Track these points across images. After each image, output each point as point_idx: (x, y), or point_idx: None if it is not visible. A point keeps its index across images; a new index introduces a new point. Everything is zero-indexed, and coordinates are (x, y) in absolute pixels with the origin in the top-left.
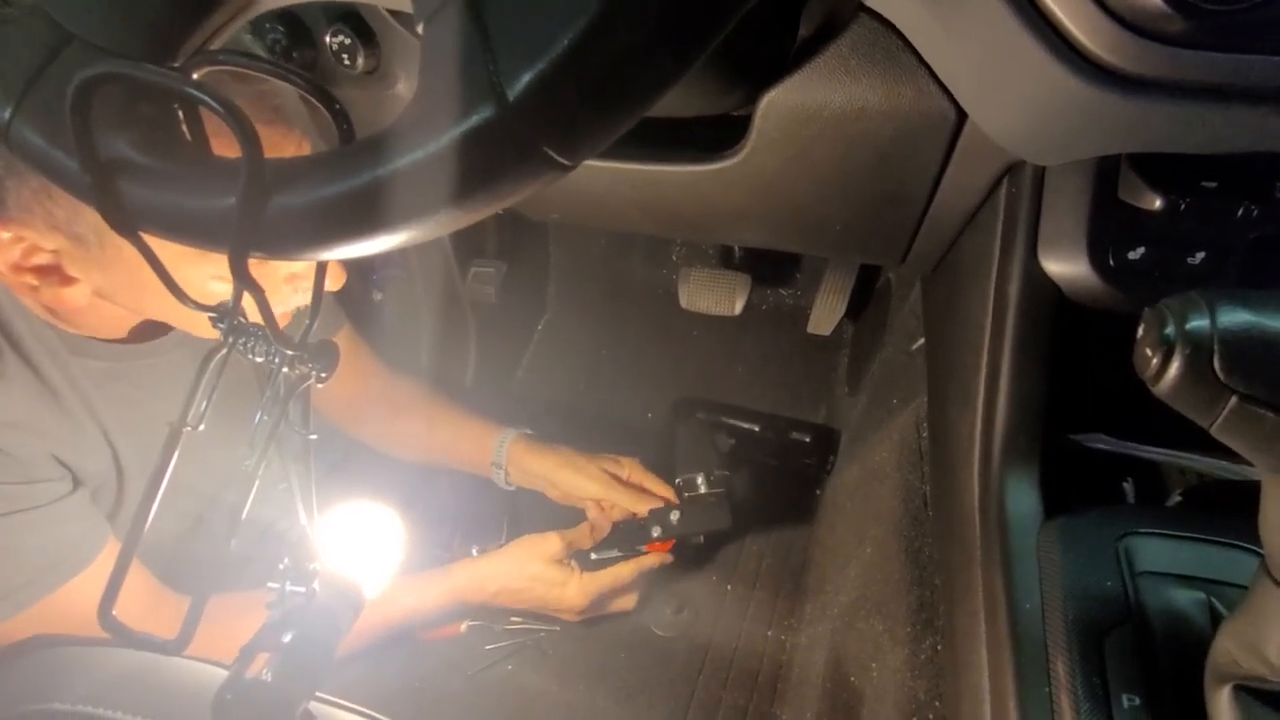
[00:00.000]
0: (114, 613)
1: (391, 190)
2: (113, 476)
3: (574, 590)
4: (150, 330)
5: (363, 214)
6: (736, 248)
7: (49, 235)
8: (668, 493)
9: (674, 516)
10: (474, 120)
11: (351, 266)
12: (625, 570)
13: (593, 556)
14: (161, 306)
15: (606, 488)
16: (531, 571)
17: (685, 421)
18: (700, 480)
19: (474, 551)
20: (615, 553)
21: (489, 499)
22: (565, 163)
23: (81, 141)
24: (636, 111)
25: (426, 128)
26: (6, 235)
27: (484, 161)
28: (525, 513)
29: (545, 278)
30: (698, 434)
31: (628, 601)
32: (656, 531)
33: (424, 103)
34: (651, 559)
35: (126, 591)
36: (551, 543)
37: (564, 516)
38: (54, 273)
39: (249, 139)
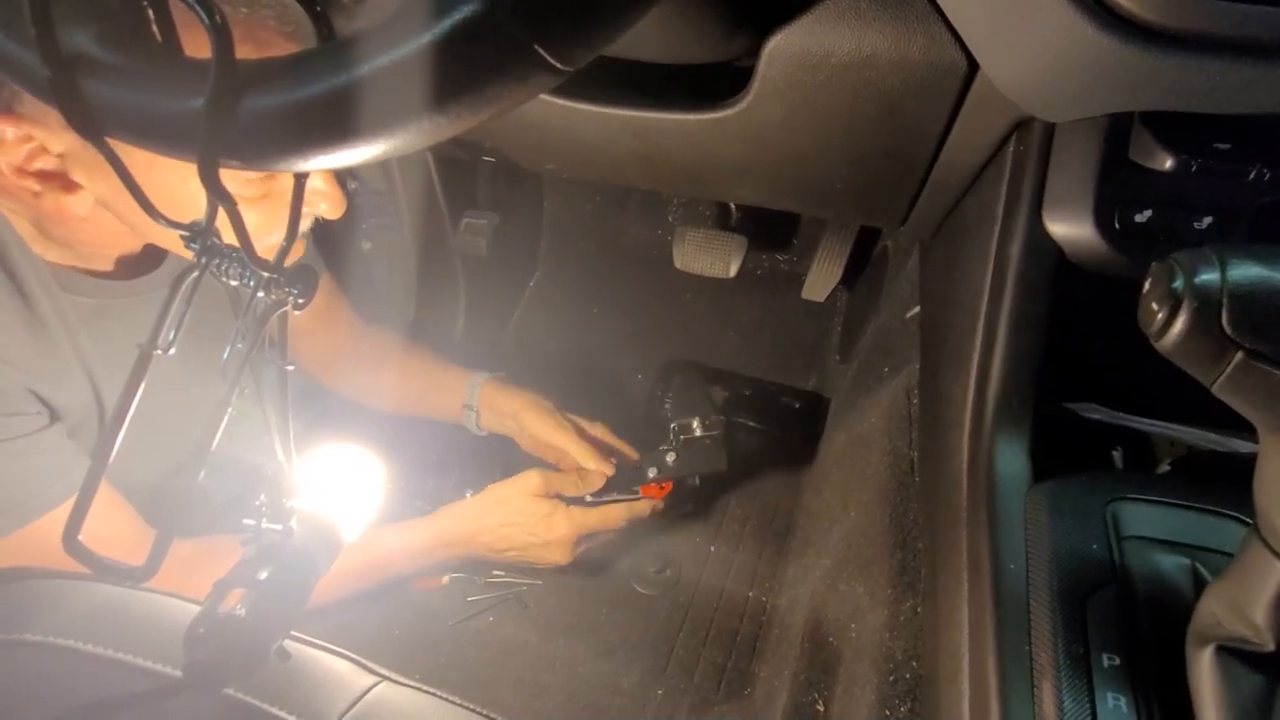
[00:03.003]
0: (100, 550)
1: (370, 92)
2: (94, 415)
3: (561, 520)
4: (138, 265)
5: (340, 117)
6: (733, 209)
7: (59, 135)
8: (633, 455)
9: (670, 458)
10: (460, 14)
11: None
12: (615, 511)
13: (588, 499)
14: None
15: (571, 439)
16: (514, 505)
17: (680, 375)
18: (695, 424)
19: (468, 494)
20: (613, 495)
21: (472, 450)
22: (558, 65)
23: (41, 34)
24: (633, 11)
25: (409, 24)
26: (14, 134)
27: (470, 61)
28: (512, 465)
29: (538, 232)
30: (692, 386)
31: (614, 522)
32: (652, 473)
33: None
34: (642, 505)
35: (113, 530)
36: (529, 477)
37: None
38: (57, 178)
39: (218, 33)
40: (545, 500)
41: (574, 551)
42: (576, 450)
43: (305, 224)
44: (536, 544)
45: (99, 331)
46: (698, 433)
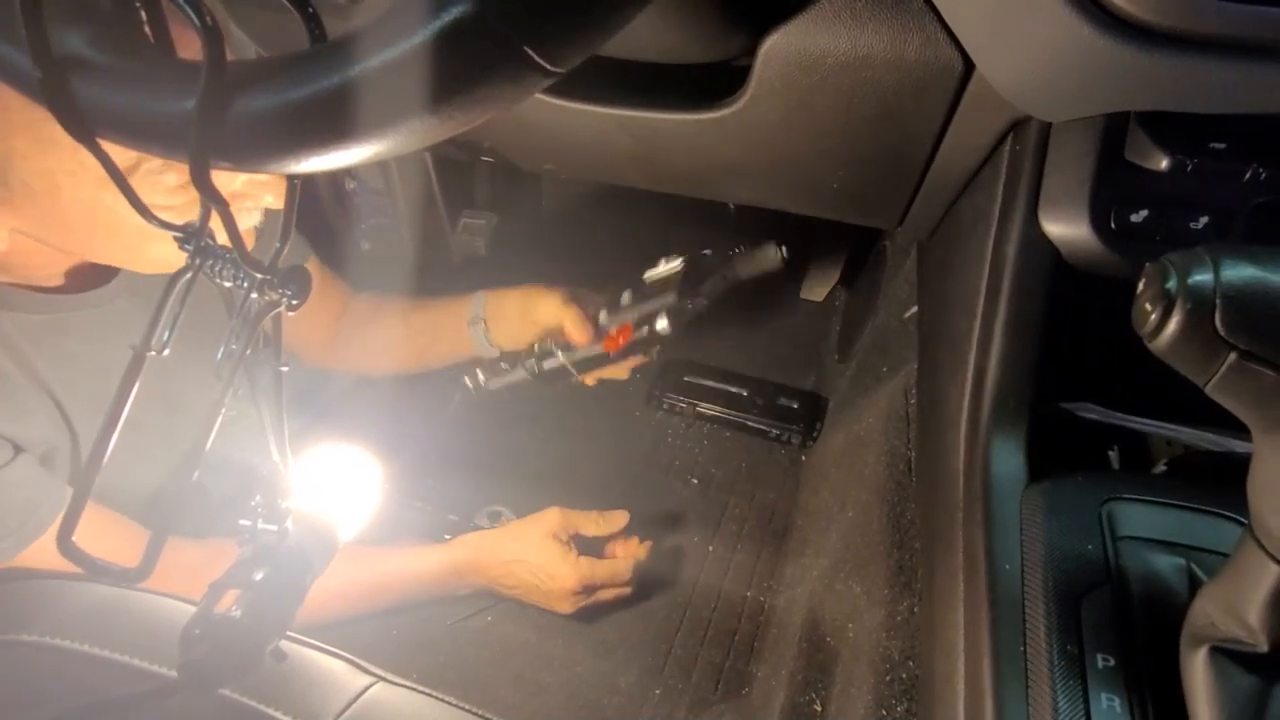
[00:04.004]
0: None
1: (361, 93)
2: (64, 439)
3: (568, 572)
4: (89, 277)
5: (331, 119)
6: (731, 208)
7: None
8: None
9: (624, 298)
10: (449, 16)
11: (338, 214)
12: (621, 565)
13: (560, 356)
14: (97, 242)
15: (574, 323)
16: (528, 541)
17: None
18: (661, 264)
19: (482, 523)
20: (581, 353)
21: (472, 450)
22: (548, 66)
23: (33, 35)
24: (623, 12)
25: (399, 26)
26: None
27: (460, 62)
28: (512, 471)
29: (537, 232)
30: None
31: (621, 590)
32: (603, 317)
33: (400, 1)
34: (643, 550)
35: (104, 545)
36: (550, 515)
37: (548, 482)
38: None
39: (211, 34)
40: (558, 544)
41: (575, 605)
42: (571, 326)
43: (255, 216)
44: (540, 589)
45: (53, 349)
46: (662, 271)
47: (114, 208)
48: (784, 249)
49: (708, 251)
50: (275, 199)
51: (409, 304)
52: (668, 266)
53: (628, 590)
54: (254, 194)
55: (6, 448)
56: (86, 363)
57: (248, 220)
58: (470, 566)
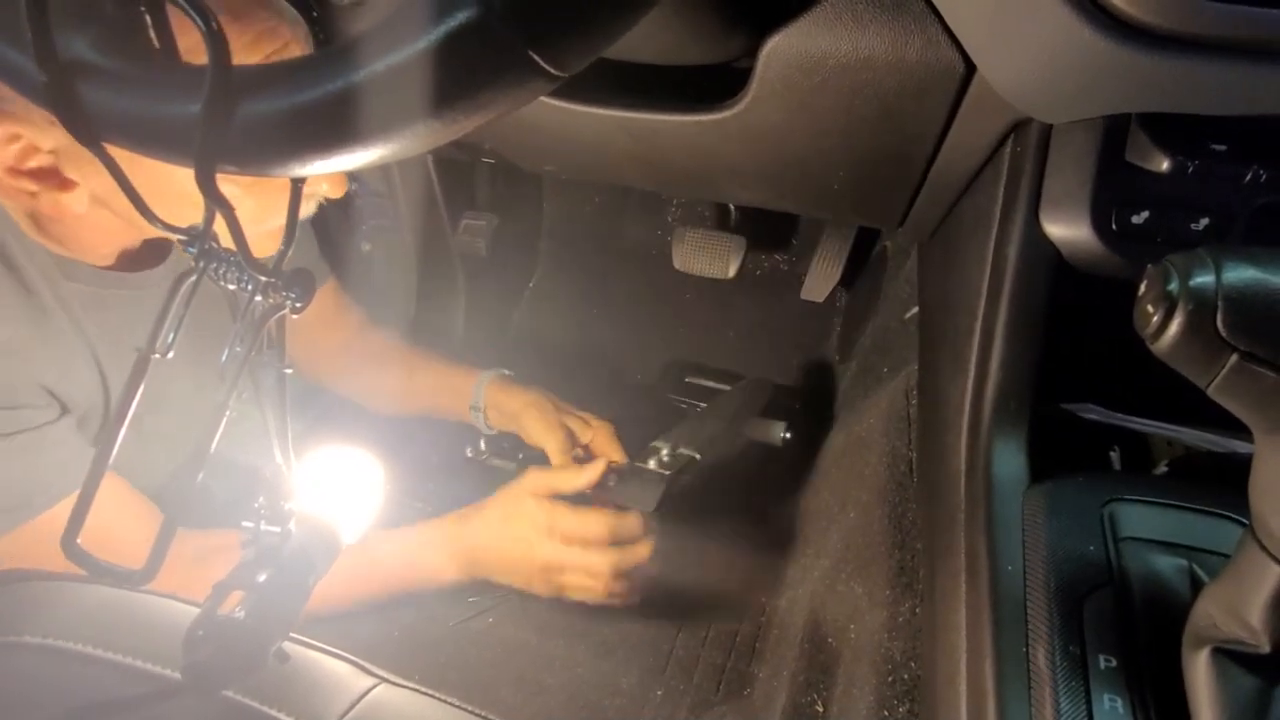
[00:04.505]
0: (110, 544)
1: (366, 97)
2: (100, 404)
3: (543, 514)
4: (138, 260)
5: (335, 123)
6: (733, 209)
7: (47, 132)
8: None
9: (610, 481)
10: (454, 21)
11: (340, 216)
12: (592, 521)
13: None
14: (161, 216)
15: (556, 450)
16: (514, 504)
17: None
18: (664, 452)
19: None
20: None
21: (467, 450)
22: (552, 71)
23: (38, 38)
24: (628, 16)
25: (404, 31)
26: (1, 133)
27: (465, 67)
28: (509, 475)
29: (537, 233)
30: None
31: (640, 555)
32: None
33: (404, 5)
34: (645, 550)
35: (123, 521)
36: (528, 475)
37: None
38: (52, 176)
39: (215, 38)
40: (533, 498)
41: (556, 556)
42: (555, 463)
43: (310, 206)
44: (523, 544)
45: (101, 321)
46: (651, 465)
47: (184, 185)
48: (788, 433)
49: (697, 456)
50: (331, 189)
51: (414, 357)
52: (657, 467)
53: (646, 556)
54: (310, 182)
55: (54, 406)
56: (128, 341)
57: (307, 211)
58: (456, 535)
